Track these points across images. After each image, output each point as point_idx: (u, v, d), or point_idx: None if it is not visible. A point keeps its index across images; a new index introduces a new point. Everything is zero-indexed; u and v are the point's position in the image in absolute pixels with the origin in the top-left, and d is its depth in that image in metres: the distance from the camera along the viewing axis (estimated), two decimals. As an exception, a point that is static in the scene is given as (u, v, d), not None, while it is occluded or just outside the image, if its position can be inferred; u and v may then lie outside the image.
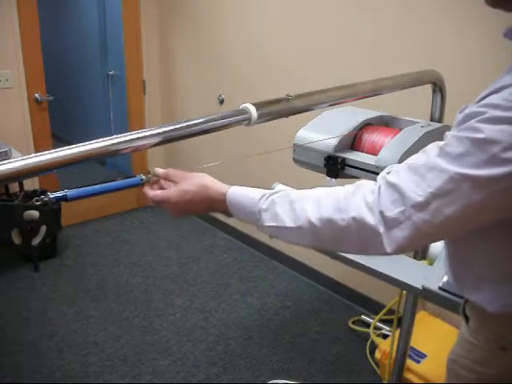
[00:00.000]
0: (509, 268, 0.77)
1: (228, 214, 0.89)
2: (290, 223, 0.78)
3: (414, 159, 0.71)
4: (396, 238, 0.69)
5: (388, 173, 0.73)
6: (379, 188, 0.71)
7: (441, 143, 0.69)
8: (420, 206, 0.67)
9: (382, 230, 0.70)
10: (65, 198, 0.89)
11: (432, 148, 0.70)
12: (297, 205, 0.79)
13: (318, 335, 2.36)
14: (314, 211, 0.76)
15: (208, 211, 0.93)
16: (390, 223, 0.69)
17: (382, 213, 0.69)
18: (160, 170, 0.96)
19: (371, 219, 0.70)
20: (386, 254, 0.71)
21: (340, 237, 0.75)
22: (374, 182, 0.74)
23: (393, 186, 0.70)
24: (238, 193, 0.87)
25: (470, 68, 1.87)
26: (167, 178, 0.95)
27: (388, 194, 0.70)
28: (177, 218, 0.95)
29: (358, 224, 0.71)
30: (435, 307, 2.09)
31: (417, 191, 0.67)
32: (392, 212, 0.69)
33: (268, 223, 0.81)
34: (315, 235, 0.77)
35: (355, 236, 0.73)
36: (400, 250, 0.71)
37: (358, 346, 2.29)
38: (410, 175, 0.69)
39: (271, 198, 0.82)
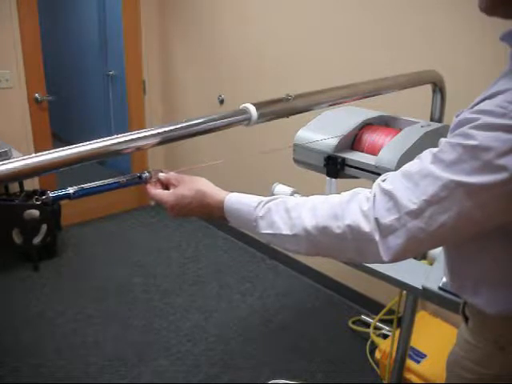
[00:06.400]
0: (507, 271, 0.77)
1: (225, 220, 0.89)
2: (286, 231, 0.78)
3: (408, 166, 0.71)
4: (392, 245, 0.69)
5: (383, 180, 0.73)
6: (374, 196, 0.71)
7: (435, 150, 0.68)
8: (414, 214, 0.67)
9: (377, 237, 0.69)
10: (68, 196, 0.88)
11: (426, 155, 0.69)
12: (293, 212, 0.78)
13: (318, 335, 2.36)
14: (310, 219, 0.76)
15: (205, 217, 0.93)
16: (385, 230, 0.69)
17: (377, 220, 0.69)
18: (162, 175, 0.96)
19: (366, 226, 0.70)
20: (382, 262, 0.71)
21: (336, 244, 0.75)
22: (369, 189, 0.74)
23: (387, 194, 0.69)
24: (235, 200, 0.87)
25: (470, 68, 1.87)
26: (168, 182, 0.96)
27: (383, 201, 0.70)
28: (175, 218, 0.95)
29: (354, 231, 0.71)
30: (435, 307, 2.10)
31: (411, 199, 0.67)
32: (387, 219, 0.68)
33: (264, 231, 0.82)
34: (311, 243, 0.77)
35: (351, 244, 0.72)
36: (397, 258, 0.70)
37: (358, 346, 2.28)
38: (404, 182, 0.69)
39: (268, 205, 0.82)
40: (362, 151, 1.34)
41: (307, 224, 0.76)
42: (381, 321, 2.33)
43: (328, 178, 1.36)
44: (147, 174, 0.96)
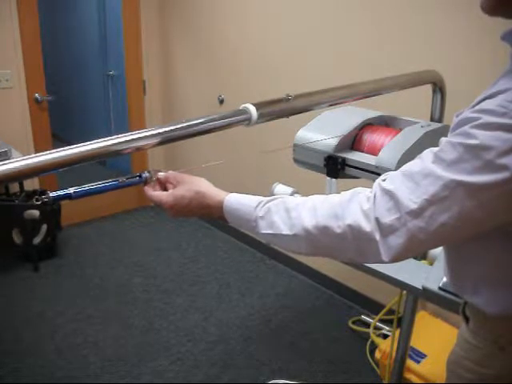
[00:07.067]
0: (507, 271, 0.77)
1: (225, 220, 0.89)
2: (286, 231, 0.78)
3: (409, 165, 0.71)
4: (392, 245, 0.69)
5: (383, 180, 0.73)
6: (375, 195, 0.71)
7: (436, 149, 0.68)
8: (415, 214, 0.66)
9: (377, 237, 0.69)
10: (69, 197, 0.88)
11: (427, 154, 0.69)
12: (293, 212, 0.78)
13: (318, 335, 2.36)
14: (310, 218, 0.76)
15: (204, 217, 0.93)
16: (385, 230, 0.69)
17: (377, 220, 0.69)
18: (161, 174, 0.96)
19: (367, 226, 0.70)
20: (383, 262, 0.71)
21: (336, 244, 0.75)
22: (369, 189, 0.74)
23: (388, 193, 0.69)
24: (235, 201, 0.87)
25: (470, 68, 1.87)
26: (167, 181, 0.96)
27: (383, 201, 0.70)
28: (174, 218, 0.95)
29: (354, 231, 0.71)
30: (435, 307, 2.09)
31: (412, 198, 0.67)
32: (388, 219, 0.68)
33: (264, 231, 0.82)
34: (311, 243, 0.77)
35: (351, 243, 0.72)
36: (397, 258, 0.70)
37: (358, 346, 2.28)
38: (405, 182, 0.69)
39: (267, 205, 0.82)
40: (362, 151, 1.34)
41: (307, 224, 0.76)
42: (381, 321, 2.33)
43: (328, 177, 1.35)
44: (147, 174, 0.96)
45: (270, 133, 2.30)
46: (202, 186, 0.91)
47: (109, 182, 0.93)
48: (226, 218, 0.88)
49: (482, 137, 0.62)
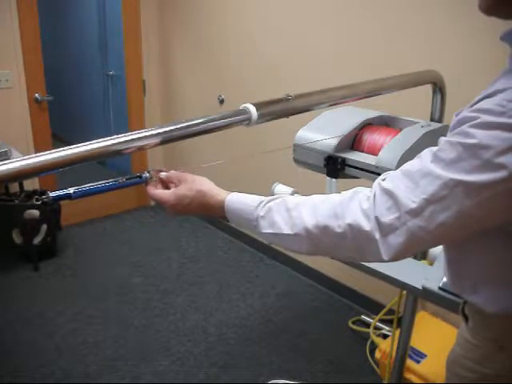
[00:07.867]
0: (506, 271, 0.78)
1: (226, 219, 0.89)
2: (286, 230, 0.79)
3: (408, 165, 0.71)
4: (392, 244, 0.69)
5: (383, 179, 0.73)
6: (374, 194, 0.71)
7: (435, 148, 0.69)
8: (414, 213, 0.67)
9: (377, 236, 0.70)
10: (69, 197, 0.89)
11: (426, 153, 0.70)
12: (293, 212, 0.79)
13: (318, 335, 2.36)
14: (311, 218, 0.76)
15: (206, 216, 0.94)
16: (385, 229, 0.69)
17: (377, 219, 0.69)
18: (163, 174, 0.97)
19: (367, 225, 0.70)
20: (383, 260, 0.71)
21: (336, 243, 0.75)
22: (369, 188, 0.74)
23: (388, 193, 0.70)
24: (236, 200, 0.87)
25: (470, 68, 1.87)
26: (169, 180, 0.96)
27: (383, 200, 0.70)
28: (175, 217, 0.95)
29: (354, 230, 0.71)
30: (435, 307, 2.10)
31: (411, 197, 0.67)
32: (387, 218, 0.69)
33: (265, 230, 0.82)
34: (312, 242, 0.77)
35: (352, 243, 0.73)
36: (397, 257, 0.71)
37: (358, 346, 2.28)
38: (404, 181, 0.69)
39: (268, 205, 0.83)
40: (362, 151, 1.34)
41: (308, 223, 0.76)
42: (381, 321, 2.33)
43: (328, 178, 1.36)
44: (147, 174, 0.96)
45: (270, 133, 2.30)
46: (203, 185, 0.91)
47: (109, 182, 0.93)
48: (228, 217, 0.89)
49: (481, 136, 0.62)
